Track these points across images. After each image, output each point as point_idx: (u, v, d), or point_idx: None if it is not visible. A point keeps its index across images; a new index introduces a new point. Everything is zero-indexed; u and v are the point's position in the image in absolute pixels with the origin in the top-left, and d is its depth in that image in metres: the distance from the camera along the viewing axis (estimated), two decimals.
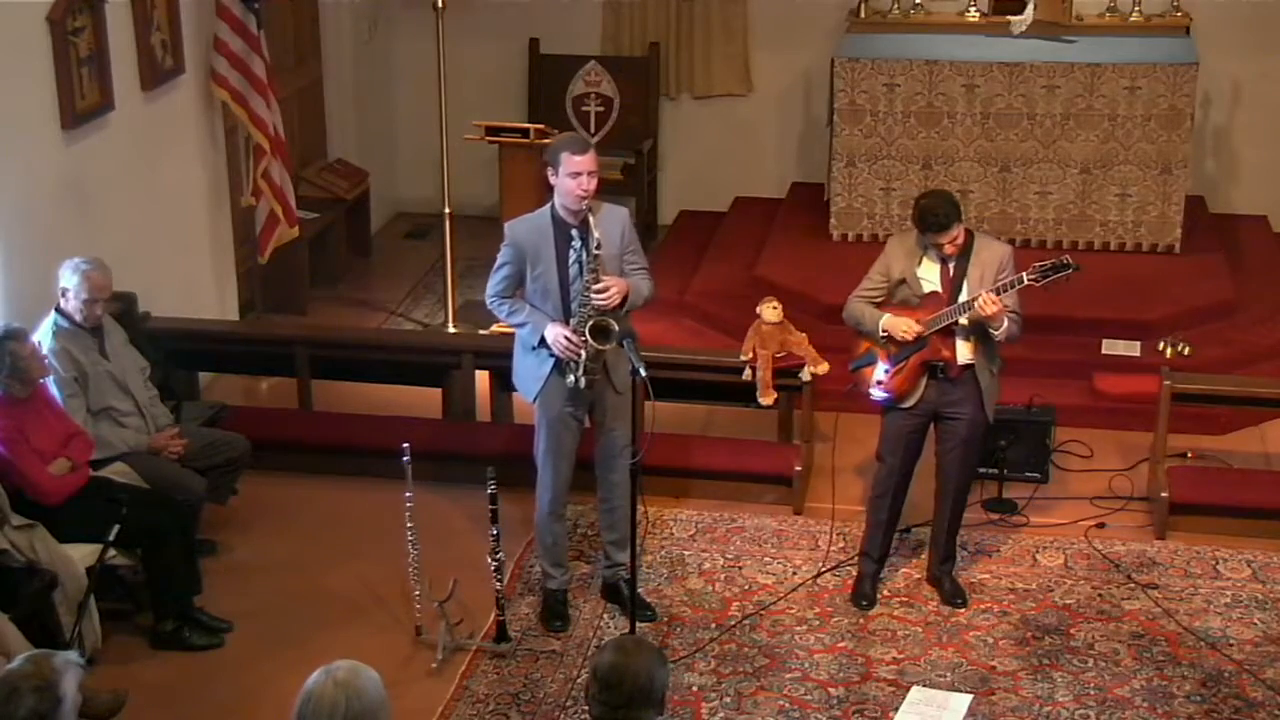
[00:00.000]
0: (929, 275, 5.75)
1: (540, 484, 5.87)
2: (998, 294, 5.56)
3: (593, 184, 5.49)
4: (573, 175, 5.46)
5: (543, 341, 5.61)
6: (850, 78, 8.81)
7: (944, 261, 5.72)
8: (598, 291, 5.50)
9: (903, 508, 6.11)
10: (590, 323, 5.51)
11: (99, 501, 5.64)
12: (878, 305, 5.82)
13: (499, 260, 5.69)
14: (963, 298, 5.67)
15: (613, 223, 5.62)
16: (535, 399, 5.76)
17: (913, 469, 6.01)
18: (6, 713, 3.46)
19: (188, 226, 7.85)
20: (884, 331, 5.75)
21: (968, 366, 5.77)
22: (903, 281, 5.77)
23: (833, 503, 6.70)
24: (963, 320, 5.67)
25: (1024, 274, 5.61)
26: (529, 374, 5.75)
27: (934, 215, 5.61)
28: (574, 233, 5.56)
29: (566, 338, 5.55)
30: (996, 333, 5.65)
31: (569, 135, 5.88)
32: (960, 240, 5.67)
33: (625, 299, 5.57)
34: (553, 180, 5.55)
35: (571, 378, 5.59)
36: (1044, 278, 5.61)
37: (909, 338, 5.69)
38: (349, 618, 6.02)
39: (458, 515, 6.53)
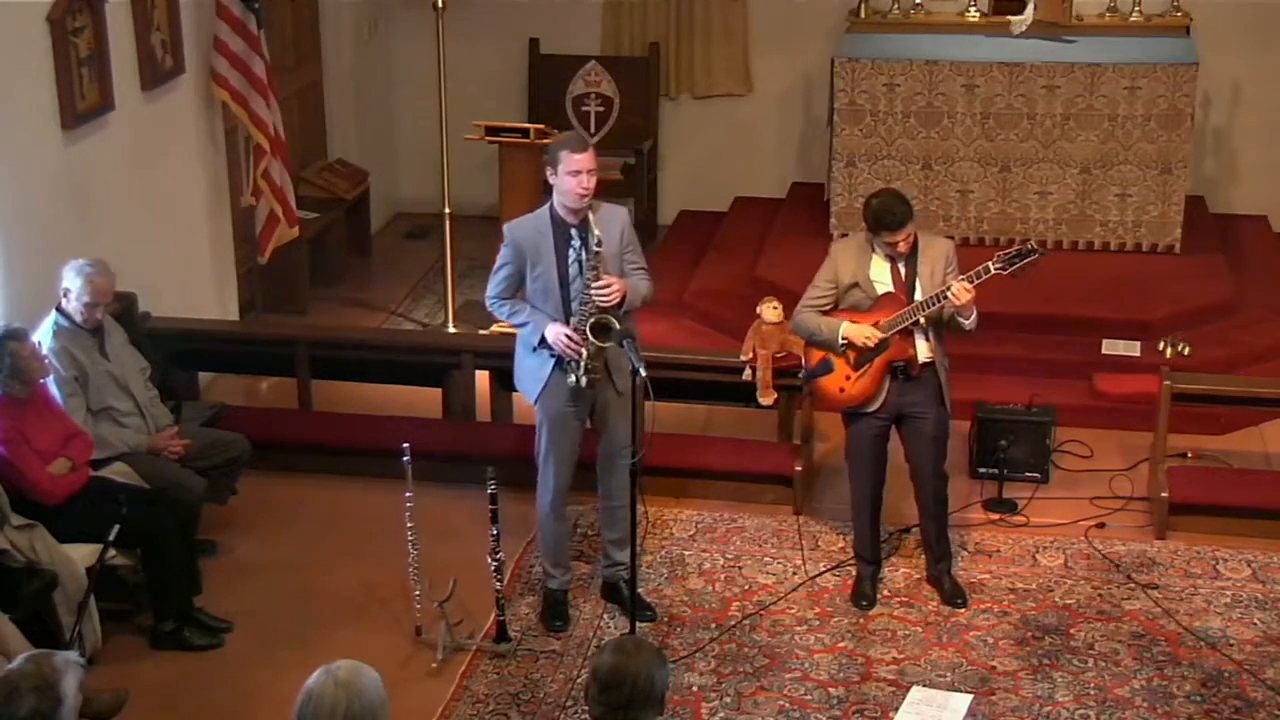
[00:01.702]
0: (881, 276, 5.76)
1: (540, 484, 5.87)
2: (970, 282, 5.57)
3: (592, 182, 5.50)
4: (572, 174, 5.47)
5: (544, 341, 5.61)
6: (850, 78, 8.81)
7: (893, 261, 5.73)
8: (599, 289, 5.50)
9: (881, 508, 6.11)
10: (591, 321, 5.51)
11: (99, 501, 5.64)
12: (826, 313, 5.82)
13: (499, 261, 5.70)
14: (918, 295, 5.68)
15: (612, 222, 5.62)
16: (536, 400, 5.76)
17: (884, 471, 6.02)
18: (7, 712, 3.46)
19: (188, 226, 7.85)
20: (844, 340, 5.75)
21: (928, 364, 5.78)
22: (854, 285, 5.76)
23: (796, 504, 6.74)
24: (922, 319, 5.68)
25: (989, 264, 5.62)
26: (530, 375, 5.75)
27: (890, 214, 5.62)
28: (573, 232, 5.57)
29: (568, 336, 5.55)
30: (967, 322, 5.66)
31: (568, 134, 5.89)
32: (911, 239, 5.68)
33: (624, 299, 5.57)
34: (552, 180, 5.56)
35: (573, 377, 5.60)
36: (1010, 265, 5.63)
37: (871, 344, 5.69)
38: (349, 618, 6.02)
39: (458, 515, 6.52)
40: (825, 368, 5.88)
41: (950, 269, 5.71)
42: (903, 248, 5.68)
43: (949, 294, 5.57)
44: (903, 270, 5.73)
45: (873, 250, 5.75)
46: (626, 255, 5.69)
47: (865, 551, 6.12)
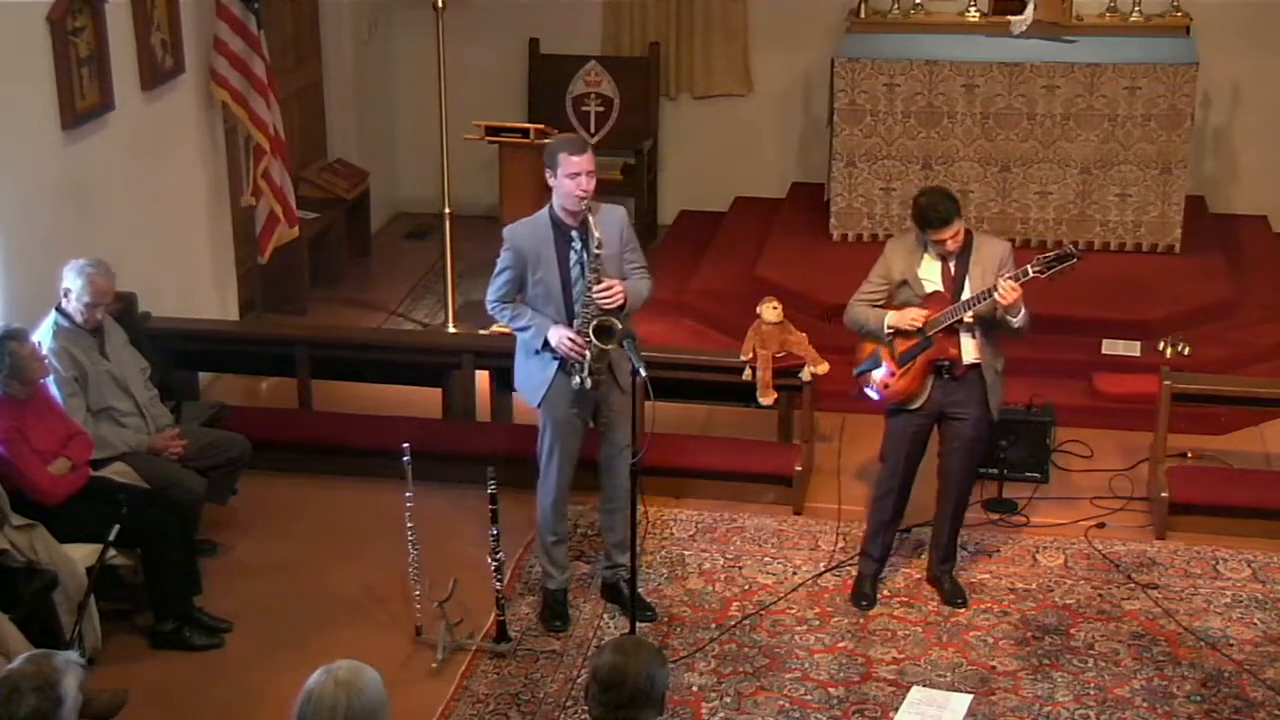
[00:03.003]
0: (930, 275, 5.74)
1: (542, 485, 5.87)
2: (1016, 281, 5.55)
3: (591, 184, 5.49)
4: (571, 176, 5.46)
5: (546, 345, 5.60)
6: (850, 78, 8.81)
7: (944, 260, 5.72)
8: (600, 291, 5.50)
9: (905, 508, 6.10)
10: (594, 323, 5.51)
11: (99, 501, 5.64)
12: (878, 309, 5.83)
13: (499, 265, 5.69)
14: (966, 295, 5.67)
15: (611, 222, 5.62)
16: (540, 403, 5.76)
17: (916, 470, 6.00)
18: (8, 712, 3.46)
19: (188, 226, 7.85)
20: (890, 328, 5.75)
21: (973, 366, 5.77)
22: (904, 283, 5.75)
23: (839, 503, 6.76)
24: (968, 317, 5.67)
25: (1028, 266, 5.60)
26: (532, 378, 5.75)
27: (935, 211, 5.61)
28: (574, 234, 5.56)
29: (571, 339, 5.55)
30: (1015, 320, 5.64)
31: (566, 136, 5.89)
32: (961, 237, 5.67)
33: (626, 302, 5.57)
34: (551, 182, 5.55)
35: (577, 379, 5.60)
36: (1049, 269, 5.61)
37: (918, 324, 5.68)
38: (349, 618, 6.02)
39: (458, 515, 6.53)
40: (874, 362, 5.87)
41: (1005, 271, 5.66)
42: (951, 246, 5.66)
43: (996, 292, 5.56)
44: (953, 269, 5.72)
45: (924, 249, 5.74)
46: (626, 255, 5.68)
47: (873, 550, 6.10)
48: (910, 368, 5.76)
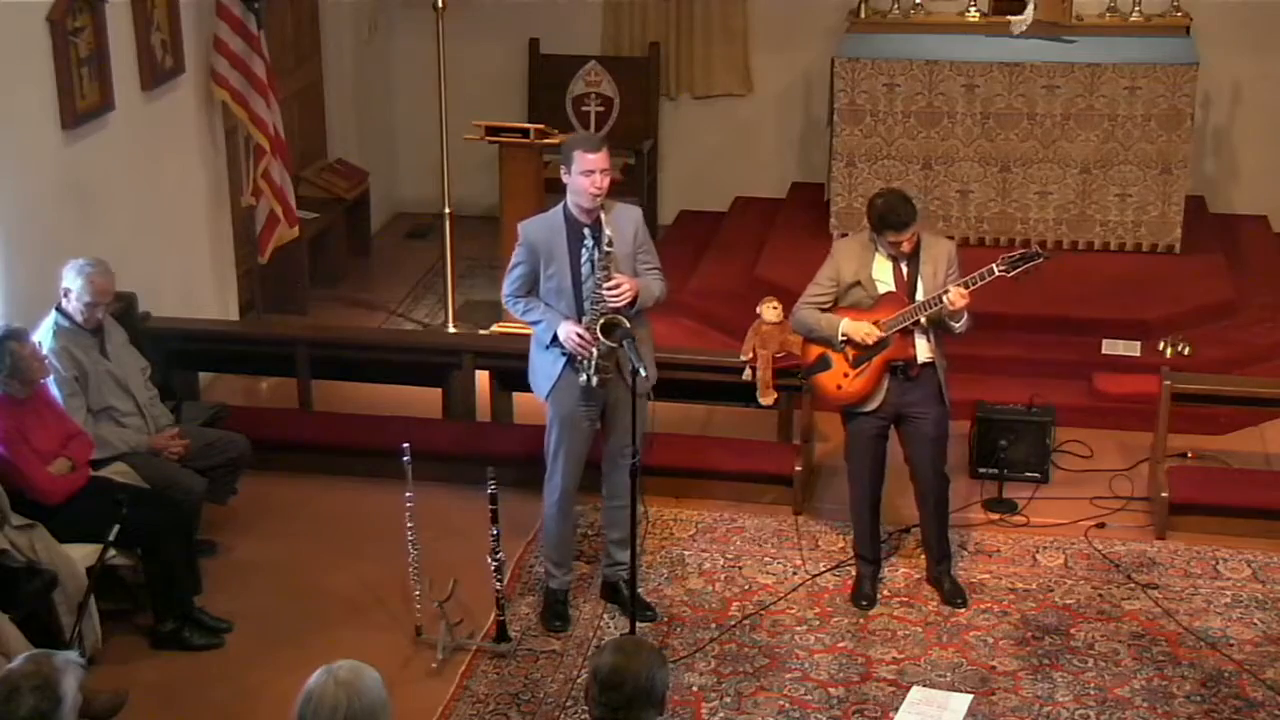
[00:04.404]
0: (883, 275, 5.76)
1: (548, 483, 5.88)
2: (966, 287, 5.57)
3: (605, 182, 5.52)
4: (585, 174, 5.48)
5: (556, 340, 5.62)
6: (850, 78, 8.81)
7: (896, 260, 5.73)
8: (609, 289, 5.51)
9: (880, 507, 6.11)
10: (601, 320, 5.52)
11: (99, 501, 5.63)
12: (825, 310, 5.83)
13: (514, 259, 5.71)
14: (919, 295, 5.69)
15: (625, 222, 5.64)
16: (547, 396, 5.77)
17: (882, 469, 6.02)
18: (7, 712, 3.46)
19: (188, 226, 7.85)
20: (844, 336, 5.75)
21: (927, 364, 5.78)
22: (856, 284, 5.77)
23: (798, 506, 6.76)
24: (923, 319, 5.68)
25: (994, 265, 5.63)
26: (542, 372, 5.76)
27: (895, 214, 5.64)
28: (586, 231, 5.58)
29: (579, 335, 5.56)
30: (958, 326, 5.67)
31: (582, 134, 5.94)
32: (914, 238, 5.69)
33: (635, 299, 5.58)
34: (565, 179, 5.58)
35: (584, 375, 5.61)
36: (1014, 268, 5.65)
37: (870, 342, 5.70)
38: (349, 618, 6.02)
39: (458, 515, 6.52)
40: (822, 364, 5.89)
41: (951, 270, 5.72)
42: (906, 248, 5.69)
43: (945, 298, 5.57)
44: (904, 270, 5.74)
45: (875, 249, 5.76)
46: (640, 255, 5.70)
47: (865, 551, 6.12)
48: (866, 368, 5.77)
